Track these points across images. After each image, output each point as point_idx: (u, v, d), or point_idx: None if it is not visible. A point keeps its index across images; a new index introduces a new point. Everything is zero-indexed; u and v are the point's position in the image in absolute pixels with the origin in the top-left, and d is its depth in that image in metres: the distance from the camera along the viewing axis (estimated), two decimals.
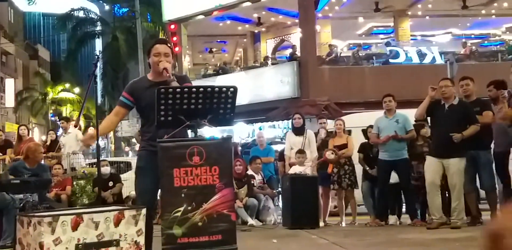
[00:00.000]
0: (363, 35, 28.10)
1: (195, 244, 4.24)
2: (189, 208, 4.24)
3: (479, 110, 7.74)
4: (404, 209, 9.23)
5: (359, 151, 9.52)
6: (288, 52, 24.00)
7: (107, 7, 37.88)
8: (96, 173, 8.68)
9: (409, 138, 8.71)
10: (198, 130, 4.52)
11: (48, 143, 12.58)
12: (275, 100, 20.31)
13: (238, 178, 9.78)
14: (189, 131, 4.57)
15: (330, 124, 10.38)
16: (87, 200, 10.96)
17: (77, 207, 9.61)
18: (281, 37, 27.13)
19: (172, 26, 24.27)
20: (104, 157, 17.71)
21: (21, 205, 7.37)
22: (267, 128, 21.35)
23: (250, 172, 10.38)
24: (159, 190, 4.59)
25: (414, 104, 8.47)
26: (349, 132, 10.25)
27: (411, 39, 25.53)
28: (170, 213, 4.22)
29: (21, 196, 7.47)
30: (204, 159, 4.31)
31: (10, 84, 39.48)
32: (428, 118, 8.15)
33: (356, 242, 6.86)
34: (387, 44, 23.13)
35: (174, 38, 23.66)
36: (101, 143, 39.36)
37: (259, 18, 25.43)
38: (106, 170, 10.97)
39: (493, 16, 26.07)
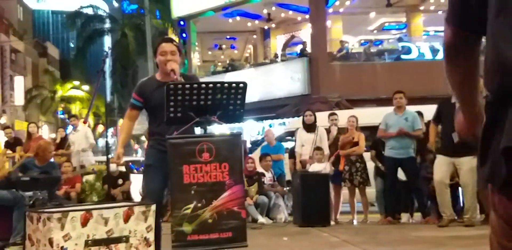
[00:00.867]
0: (375, 31, 27.93)
1: (205, 241, 4.20)
2: (199, 205, 4.21)
3: None
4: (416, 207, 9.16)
5: (371, 148, 9.45)
6: (298, 48, 23.89)
7: (116, 4, 37.94)
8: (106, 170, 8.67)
9: (416, 136, 8.61)
10: (207, 126, 4.47)
11: (58, 141, 12.60)
12: (285, 97, 20.21)
13: (249, 176, 9.74)
14: (198, 128, 4.53)
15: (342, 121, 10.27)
16: (97, 197, 10.95)
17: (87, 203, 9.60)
18: (291, 33, 27.02)
19: (182, 23, 24.23)
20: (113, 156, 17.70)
21: (31, 202, 7.35)
22: (277, 125, 21.28)
23: (260, 169, 10.33)
24: (167, 188, 4.56)
25: (427, 101, 8.40)
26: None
27: (424, 35, 25.33)
28: (180, 210, 4.19)
29: (30, 193, 7.44)
30: (214, 156, 4.26)
31: (19, 82, 39.60)
32: None
33: (368, 240, 6.80)
34: (399, 39, 22.98)
35: (184, 35, 23.63)
36: (111, 140, 39.51)
37: (269, 14, 25.33)
38: (115, 166, 10.96)
39: None
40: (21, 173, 7.94)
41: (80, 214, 3.70)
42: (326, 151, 9.59)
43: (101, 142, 39.05)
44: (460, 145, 7.44)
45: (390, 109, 9.31)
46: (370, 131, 9.79)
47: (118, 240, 3.84)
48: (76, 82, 45.19)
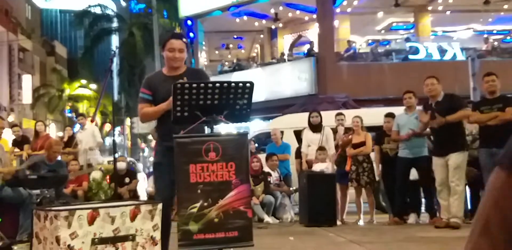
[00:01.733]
0: (383, 31, 27.88)
1: (211, 241, 4.21)
2: (205, 204, 4.21)
3: (501, 106, 7.61)
4: (423, 207, 9.12)
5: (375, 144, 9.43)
6: (305, 48, 23.87)
7: (123, 3, 38.00)
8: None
9: (427, 134, 8.60)
10: (214, 126, 4.48)
11: (65, 139, 12.65)
12: (292, 97, 20.19)
13: (255, 175, 9.74)
14: (205, 127, 4.54)
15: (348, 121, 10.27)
16: (104, 196, 10.99)
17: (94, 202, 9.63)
18: (298, 33, 26.99)
19: (189, 22, 24.24)
20: (121, 154, 17.78)
21: (38, 200, 7.38)
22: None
23: (266, 169, 10.34)
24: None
25: None
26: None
27: (432, 35, 25.27)
28: (186, 209, 4.20)
29: (38, 191, 7.48)
30: (220, 155, 4.27)
31: (27, 81, 39.71)
32: None
33: (374, 240, 6.79)
34: (407, 40, 22.92)
35: (191, 34, 23.63)
36: (118, 139, 39.58)
37: (276, 13, 25.31)
38: (122, 165, 11.00)
39: None
40: (31, 171, 7.98)
41: (87, 212, 3.71)
42: (332, 151, 9.60)
43: (108, 141, 39.11)
44: (446, 143, 7.54)
45: (397, 109, 9.30)
46: (378, 130, 9.77)
47: (124, 238, 3.85)
48: (84, 81, 45.27)
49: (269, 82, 20.88)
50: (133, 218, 3.90)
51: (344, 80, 19.88)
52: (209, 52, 29.95)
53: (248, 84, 4.41)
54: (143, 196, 11.73)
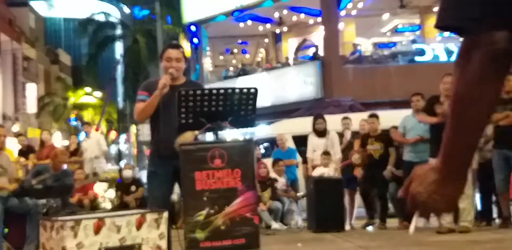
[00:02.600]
0: (388, 33, 27.80)
1: (218, 248, 4.18)
2: (212, 211, 4.19)
3: None
4: None
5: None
6: (310, 52, 23.83)
7: (127, 10, 38.07)
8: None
9: None
10: (219, 132, 4.45)
11: (71, 149, 12.65)
12: (298, 101, 20.13)
13: (262, 181, 9.69)
14: (210, 133, 4.51)
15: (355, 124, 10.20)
16: (110, 205, 10.95)
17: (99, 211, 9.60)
18: (303, 37, 26.95)
19: (193, 28, 24.24)
20: (127, 162, 17.77)
21: (44, 210, 7.35)
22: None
23: (273, 174, 10.28)
24: (174, 194, 4.54)
25: None
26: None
27: (438, 36, 25.18)
28: (192, 217, 4.17)
29: (44, 201, 7.45)
30: (226, 162, 4.24)
31: (31, 90, 39.74)
32: None
33: (383, 245, 6.72)
34: (413, 41, 22.84)
35: (195, 40, 23.63)
36: (124, 147, 39.63)
37: (280, 17, 25.29)
38: (128, 173, 10.94)
39: None
40: (34, 178, 7.94)
41: (93, 222, 3.71)
42: (338, 155, 9.54)
43: (114, 149, 39.15)
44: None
45: (404, 112, 9.22)
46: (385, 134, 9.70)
47: (131, 247, 3.84)
48: (88, 89, 45.36)
49: (275, 86, 20.84)
50: (139, 227, 3.88)
51: (350, 84, 19.81)
52: (213, 57, 29.92)
53: (252, 90, 4.38)
54: None
